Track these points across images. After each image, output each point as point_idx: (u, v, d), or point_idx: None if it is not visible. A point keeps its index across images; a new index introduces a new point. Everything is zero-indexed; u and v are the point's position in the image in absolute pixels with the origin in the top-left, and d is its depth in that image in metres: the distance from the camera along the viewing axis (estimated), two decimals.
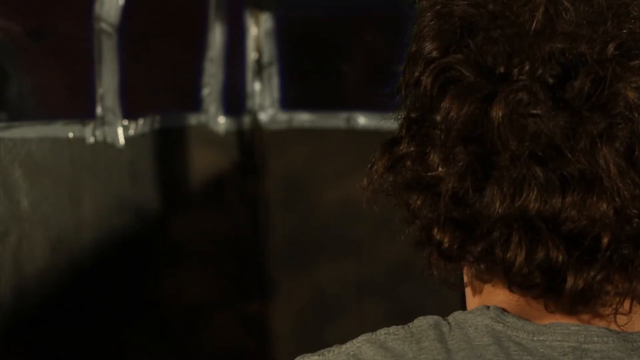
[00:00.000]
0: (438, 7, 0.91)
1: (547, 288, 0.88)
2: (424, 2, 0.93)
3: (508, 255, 0.86)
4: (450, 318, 0.92)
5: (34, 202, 1.89)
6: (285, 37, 2.64)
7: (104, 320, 2.11)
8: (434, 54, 0.89)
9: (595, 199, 0.84)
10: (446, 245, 0.89)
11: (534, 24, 0.86)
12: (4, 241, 1.81)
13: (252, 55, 2.63)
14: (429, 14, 0.91)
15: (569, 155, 0.84)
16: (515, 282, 0.88)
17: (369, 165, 0.93)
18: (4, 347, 1.84)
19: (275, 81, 2.64)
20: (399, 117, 0.93)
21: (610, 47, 0.85)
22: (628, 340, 0.88)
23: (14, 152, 1.85)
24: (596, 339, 0.88)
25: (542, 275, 0.87)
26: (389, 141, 0.92)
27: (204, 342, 2.46)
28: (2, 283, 1.81)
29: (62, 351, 1.98)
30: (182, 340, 2.40)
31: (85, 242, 2.05)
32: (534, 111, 0.84)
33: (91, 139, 2.05)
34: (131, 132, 2.17)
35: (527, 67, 0.85)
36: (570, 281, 0.86)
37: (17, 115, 1.97)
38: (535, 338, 0.88)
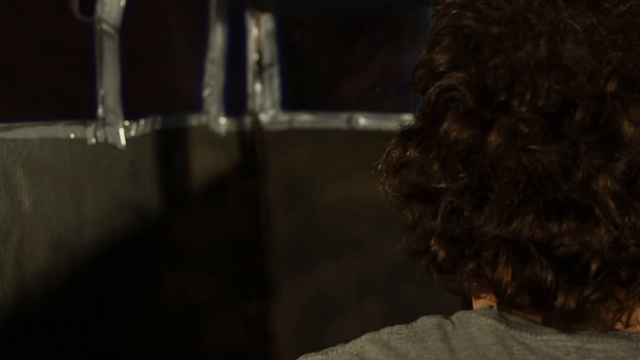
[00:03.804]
0: (453, 12, 0.91)
1: (538, 308, 0.88)
2: (438, 7, 0.93)
3: (496, 275, 0.87)
4: (453, 317, 0.92)
5: (36, 203, 1.89)
6: (286, 38, 2.64)
7: (105, 320, 2.11)
8: (441, 68, 0.90)
9: (591, 227, 0.84)
10: (440, 258, 0.90)
11: (537, 54, 0.85)
12: (6, 241, 1.81)
13: (253, 56, 2.63)
14: (441, 22, 0.92)
15: (565, 187, 0.84)
16: (504, 302, 0.89)
17: (385, 153, 0.94)
18: (6, 346, 1.84)
19: (276, 82, 2.64)
20: (414, 111, 0.94)
21: (613, 81, 0.84)
22: (632, 339, 0.88)
23: (16, 152, 1.85)
24: (600, 338, 0.88)
25: (531, 296, 0.87)
26: (405, 132, 0.93)
27: (205, 342, 2.47)
28: (4, 283, 1.81)
29: (64, 351, 1.98)
30: (183, 339, 2.40)
31: (87, 243, 2.05)
32: (530, 146, 0.84)
33: (92, 140, 2.05)
34: (132, 132, 2.17)
35: (527, 99, 0.85)
36: (561, 300, 0.86)
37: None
38: (538, 337, 0.89)
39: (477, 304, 0.95)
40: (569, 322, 0.87)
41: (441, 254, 0.90)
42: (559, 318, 0.87)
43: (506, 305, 0.89)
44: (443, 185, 0.88)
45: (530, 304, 0.87)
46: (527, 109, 0.85)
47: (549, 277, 0.85)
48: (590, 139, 0.84)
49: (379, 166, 0.95)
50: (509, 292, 0.86)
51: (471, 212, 0.87)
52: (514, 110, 0.85)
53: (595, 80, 0.84)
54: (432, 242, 0.90)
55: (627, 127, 0.83)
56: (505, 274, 0.86)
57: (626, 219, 0.83)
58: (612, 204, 0.83)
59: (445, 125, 0.87)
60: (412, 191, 0.92)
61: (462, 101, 0.87)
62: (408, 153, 0.92)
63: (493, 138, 0.85)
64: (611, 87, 0.84)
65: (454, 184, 0.88)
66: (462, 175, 0.87)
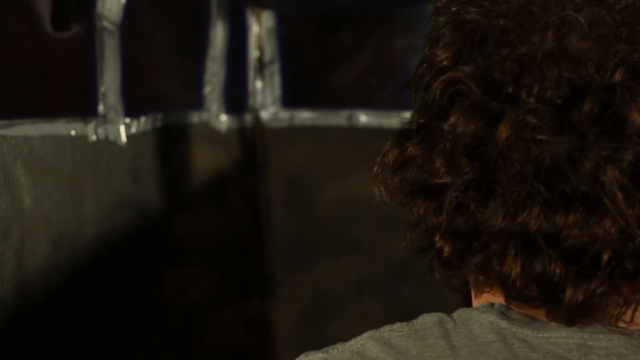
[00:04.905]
0: (453, 9, 0.91)
1: (545, 301, 0.88)
2: (439, 4, 0.93)
3: (504, 268, 0.87)
4: (454, 315, 0.92)
5: (36, 200, 1.89)
6: (287, 35, 2.64)
7: (106, 318, 2.11)
8: (445, 63, 0.90)
9: (599, 218, 0.84)
10: (446, 254, 0.90)
11: (544, 45, 0.85)
12: (6, 239, 1.81)
13: (253, 53, 2.63)
14: (442, 18, 0.92)
15: (573, 178, 0.84)
16: (511, 295, 0.89)
17: (381, 155, 0.94)
18: (6, 344, 1.84)
19: (276, 79, 2.64)
20: (411, 111, 0.94)
21: (620, 71, 0.84)
22: (633, 337, 0.88)
23: (17, 149, 1.85)
24: (601, 335, 0.88)
25: (539, 289, 0.87)
26: (402, 133, 0.93)
27: (205, 340, 2.47)
28: (5, 280, 1.81)
29: (64, 349, 1.98)
30: (184, 338, 2.40)
31: (87, 240, 2.05)
32: (539, 136, 0.84)
33: (93, 137, 2.05)
34: (133, 130, 2.17)
35: (535, 90, 0.85)
36: (569, 293, 0.86)
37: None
38: (540, 335, 0.88)
39: (479, 300, 0.95)
40: (576, 315, 0.87)
41: (447, 250, 0.90)
42: (567, 312, 0.87)
43: (513, 298, 0.89)
44: (447, 181, 0.88)
45: (538, 296, 0.87)
46: (536, 100, 0.85)
47: (558, 270, 0.85)
48: (598, 129, 0.84)
49: (375, 168, 0.95)
50: (517, 284, 0.86)
51: (476, 207, 0.87)
52: (523, 101, 0.85)
53: (602, 71, 0.84)
54: (437, 238, 0.90)
55: (635, 117, 0.84)
56: (514, 267, 0.86)
57: (632, 211, 0.83)
58: (620, 195, 0.83)
59: (451, 120, 0.87)
60: (414, 188, 0.91)
61: (469, 94, 0.87)
62: (408, 151, 0.92)
63: (502, 130, 0.85)
64: (619, 77, 0.84)
65: (459, 178, 0.87)
66: (467, 169, 0.87)
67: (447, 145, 0.88)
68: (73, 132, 2.00)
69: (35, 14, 1.91)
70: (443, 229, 0.89)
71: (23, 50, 1.90)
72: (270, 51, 2.63)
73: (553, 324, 0.89)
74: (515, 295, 0.88)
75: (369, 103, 2.55)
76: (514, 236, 0.86)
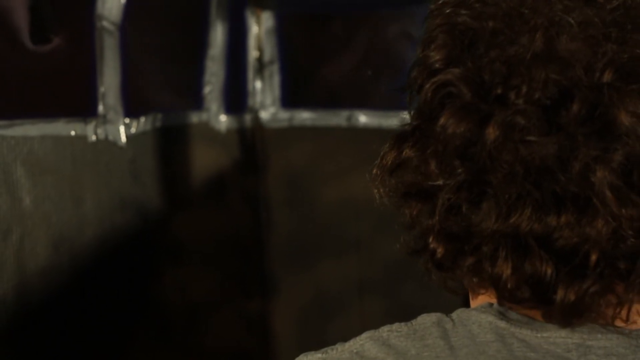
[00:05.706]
0: (447, 11, 0.91)
1: (537, 302, 0.88)
2: (433, 6, 0.93)
3: (495, 270, 0.87)
4: (453, 315, 0.92)
5: (36, 200, 1.89)
6: (287, 36, 2.64)
7: (106, 318, 2.11)
8: (437, 65, 0.90)
9: (590, 219, 0.84)
10: (439, 255, 0.90)
11: (533, 47, 0.86)
12: (6, 239, 1.81)
13: (253, 53, 2.63)
14: (436, 20, 0.92)
15: (563, 178, 0.84)
16: (504, 296, 0.89)
17: (380, 157, 0.94)
18: (6, 344, 1.84)
19: (276, 79, 2.64)
20: (409, 113, 0.94)
21: (609, 72, 0.84)
22: (632, 337, 0.89)
23: (16, 150, 1.85)
24: (600, 335, 0.88)
25: (531, 290, 0.87)
26: (399, 135, 0.93)
27: (205, 340, 2.47)
28: (5, 281, 1.81)
29: (64, 349, 1.98)
30: (184, 338, 2.40)
31: (87, 240, 2.05)
32: (528, 137, 0.84)
33: (93, 137, 2.05)
34: (133, 130, 2.17)
35: (524, 91, 0.85)
36: (561, 294, 0.86)
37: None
38: (538, 335, 0.89)
39: (476, 301, 0.95)
40: (569, 316, 0.87)
41: (440, 251, 0.90)
42: (559, 312, 0.87)
43: (506, 300, 0.89)
44: (440, 183, 0.89)
45: (531, 297, 0.87)
46: (524, 101, 0.85)
47: (549, 271, 0.85)
48: (587, 130, 0.84)
49: (374, 170, 0.95)
50: (509, 286, 0.86)
51: (469, 209, 0.88)
52: (511, 102, 0.86)
53: (591, 72, 0.85)
54: (430, 239, 0.90)
55: (624, 118, 0.84)
56: (505, 268, 0.86)
57: (623, 211, 0.83)
58: (610, 195, 0.83)
59: (442, 121, 0.88)
60: (409, 190, 0.92)
61: (459, 96, 0.88)
62: (404, 153, 0.92)
63: (491, 131, 0.85)
64: (607, 78, 0.84)
65: (451, 180, 0.88)
66: (459, 170, 0.87)
67: (439, 147, 0.88)
68: (73, 132, 2.00)
69: (37, 13, 1.91)
70: (436, 230, 0.90)
71: (23, 51, 1.90)
72: (269, 51, 2.63)
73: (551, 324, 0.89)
74: (507, 296, 0.88)
75: (368, 103, 2.55)
76: (505, 238, 0.86)
